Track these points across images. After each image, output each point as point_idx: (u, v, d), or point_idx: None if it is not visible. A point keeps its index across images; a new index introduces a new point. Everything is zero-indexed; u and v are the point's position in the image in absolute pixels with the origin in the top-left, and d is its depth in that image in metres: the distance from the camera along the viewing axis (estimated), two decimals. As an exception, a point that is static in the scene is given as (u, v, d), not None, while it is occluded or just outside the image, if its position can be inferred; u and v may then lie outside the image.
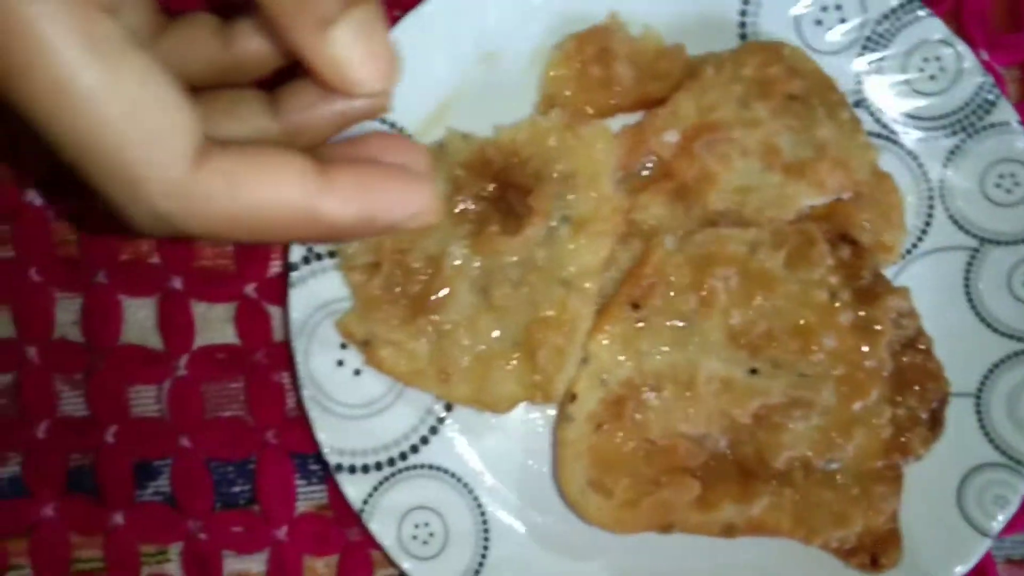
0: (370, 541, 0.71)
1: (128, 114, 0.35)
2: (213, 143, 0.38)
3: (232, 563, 0.73)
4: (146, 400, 0.74)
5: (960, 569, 0.67)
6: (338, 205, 0.41)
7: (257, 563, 0.73)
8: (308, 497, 0.73)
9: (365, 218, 0.42)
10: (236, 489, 0.73)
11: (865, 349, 0.68)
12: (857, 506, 0.67)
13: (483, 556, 0.69)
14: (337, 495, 0.72)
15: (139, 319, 0.74)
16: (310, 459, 0.73)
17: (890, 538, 0.67)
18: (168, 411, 0.73)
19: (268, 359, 0.73)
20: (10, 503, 0.72)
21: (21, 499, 0.72)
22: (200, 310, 0.74)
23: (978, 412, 0.70)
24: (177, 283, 0.74)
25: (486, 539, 0.70)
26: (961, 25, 0.77)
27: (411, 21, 0.70)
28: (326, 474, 0.73)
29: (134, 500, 0.73)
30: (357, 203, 0.41)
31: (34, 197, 0.75)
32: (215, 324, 0.74)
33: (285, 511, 0.73)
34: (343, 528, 0.72)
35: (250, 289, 0.74)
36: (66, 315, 0.74)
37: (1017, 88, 0.77)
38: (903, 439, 0.68)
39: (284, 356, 0.73)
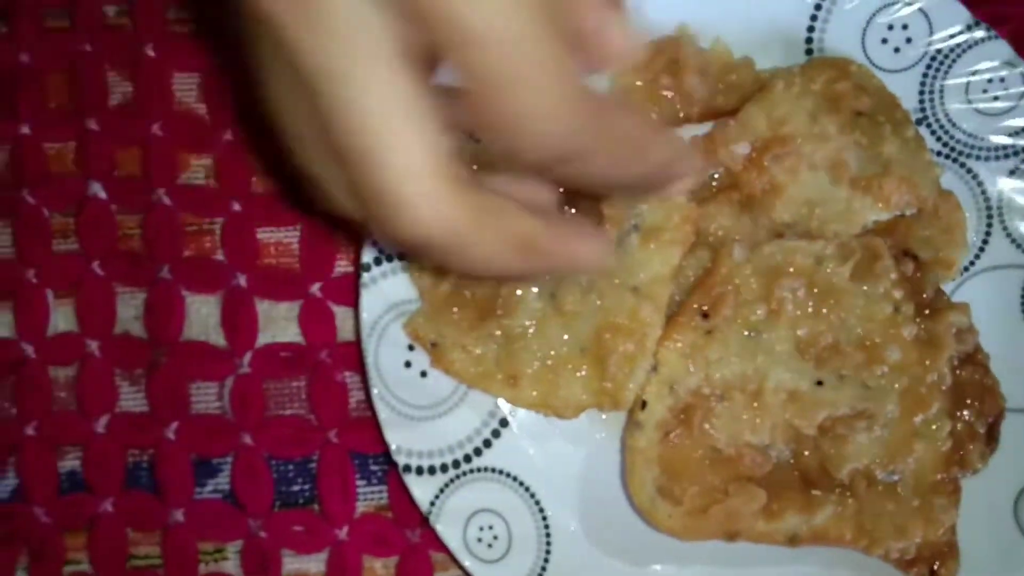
0: (430, 543, 0.71)
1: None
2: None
3: (291, 562, 0.73)
4: (207, 397, 0.73)
5: (1017, 582, 0.68)
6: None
7: (316, 563, 0.73)
8: (368, 498, 0.73)
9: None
10: (296, 488, 0.73)
11: (927, 363, 0.69)
12: (917, 518, 0.68)
13: (545, 561, 0.70)
14: (397, 496, 0.72)
15: (202, 316, 0.74)
16: (371, 459, 0.73)
17: (948, 550, 0.68)
18: (230, 408, 0.73)
19: (331, 359, 0.73)
20: (69, 498, 0.72)
21: (80, 494, 0.72)
22: (264, 308, 0.74)
23: (1034, 428, 0.72)
24: (242, 280, 0.74)
25: (548, 544, 0.70)
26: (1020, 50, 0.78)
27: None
28: (386, 475, 0.73)
29: (193, 497, 0.73)
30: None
31: (98, 190, 0.74)
32: (279, 322, 0.74)
33: (345, 511, 0.73)
34: (403, 529, 0.72)
35: (315, 288, 0.74)
36: (128, 310, 0.74)
37: None
38: (961, 453, 0.69)
39: (347, 356, 0.73)
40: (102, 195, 0.74)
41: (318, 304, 0.74)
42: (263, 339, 0.74)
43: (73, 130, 0.74)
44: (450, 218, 0.40)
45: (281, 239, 0.75)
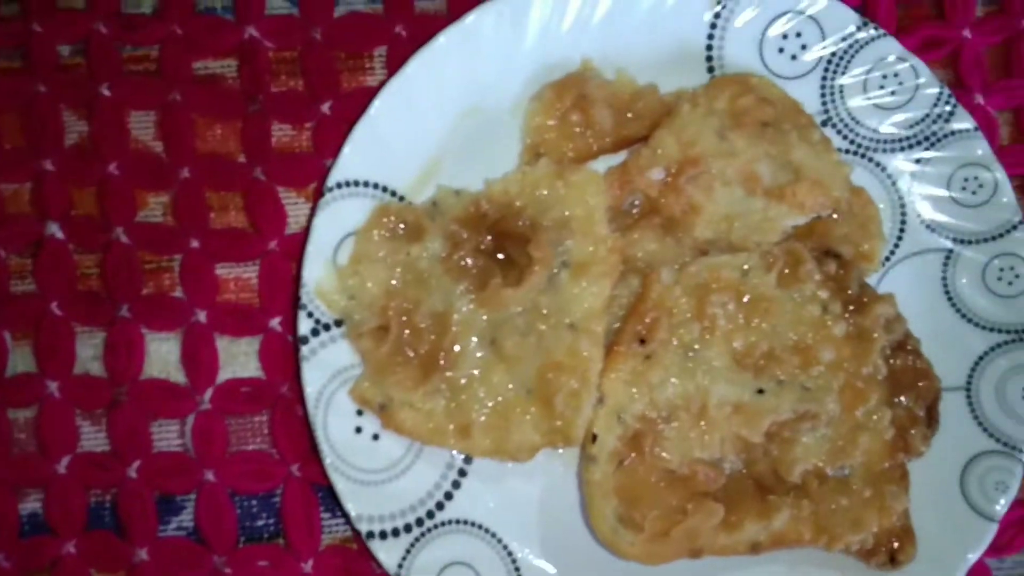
0: None
1: None
2: None
3: None
4: (169, 435, 0.74)
5: (972, 556, 0.71)
6: None
7: None
8: (333, 530, 0.74)
9: None
10: (260, 523, 0.74)
11: (860, 356, 0.71)
12: (871, 508, 0.70)
13: (520, 603, 0.70)
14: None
15: (162, 353, 0.74)
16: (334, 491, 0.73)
17: (904, 535, 0.71)
18: (192, 445, 0.73)
19: (292, 392, 0.74)
20: (31, 540, 0.71)
21: (42, 536, 0.71)
22: (224, 344, 0.74)
23: (970, 404, 0.74)
24: (201, 317, 0.74)
25: (521, 586, 0.71)
26: (958, 72, 0.81)
27: (396, 84, 0.71)
28: None
29: (157, 536, 0.72)
30: None
31: (55, 230, 0.74)
32: (239, 358, 0.75)
33: (311, 544, 0.73)
34: (368, 561, 0.73)
35: (275, 323, 0.75)
36: (87, 350, 0.73)
37: (1010, 131, 0.82)
38: (905, 438, 0.72)
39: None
40: (59, 235, 0.74)
41: (278, 339, 0.75)
42: (224, 375, 0.74)
43: (29, 171, 0.74)
44: None
45: (240, 274, 0.75)
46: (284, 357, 0.74)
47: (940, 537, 0.72)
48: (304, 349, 0.70)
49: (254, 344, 0.75)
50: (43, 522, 0.72)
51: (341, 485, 0.69)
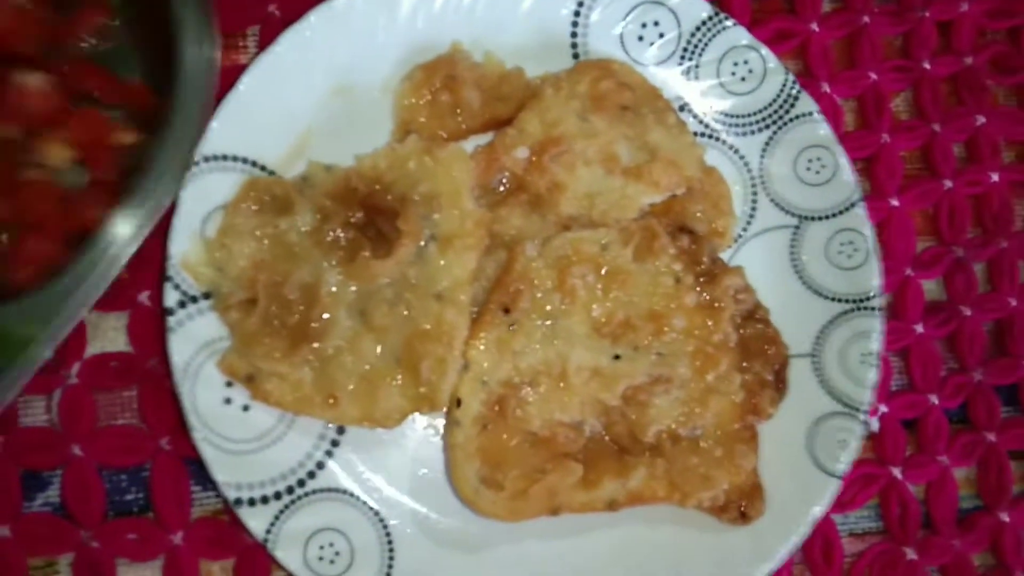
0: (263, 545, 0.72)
1: None
2: None
3: (125, 572, 0.72)
4: (35, 410, 0.73)
5: (817, 510, 0.75)
6: None
7: (152, 571, 0.73)
8: (204, 503, 0.74)
9: None
10: (130, 497, 0.73)
11: (711, 324, 0.75)
12: (721, 466, 0.74)
13: (390, 566, 0.72)
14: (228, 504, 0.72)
15: None
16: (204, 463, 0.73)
17: (754, 492, 0.75)
18: (59, 420, 0.72)
19: (161, 366, 0.73)
20: None
21: None
22: (92, 319, 0.74)
23: (816, 369, 0.79)
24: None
25: (391, 549, 0.73)
26: (806, 61, 0.87)
27: (265, 60, 0.73)
28: None
29: (21, 512, 0.71)
30: None
31: None
32: (108, 333, 0.74)
33: (180, 517, 0.73)
34: (239, 531, 0.73)
35: (143, 297, 0.75)
36: None
37: (854, 117, 0.88)
38: (754, 401, 0.76)
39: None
40: None
41: (147, 312, 0.75)
42: (91, 350, 0.74)
43: None
44: None
45: None
46: (153, 331, 0.74)
47: (788, 494, 0.76)
48: (171, 320, 0.70)
49: (123, 319, 0.75)
50: None
51: (210, 454, 0.70)
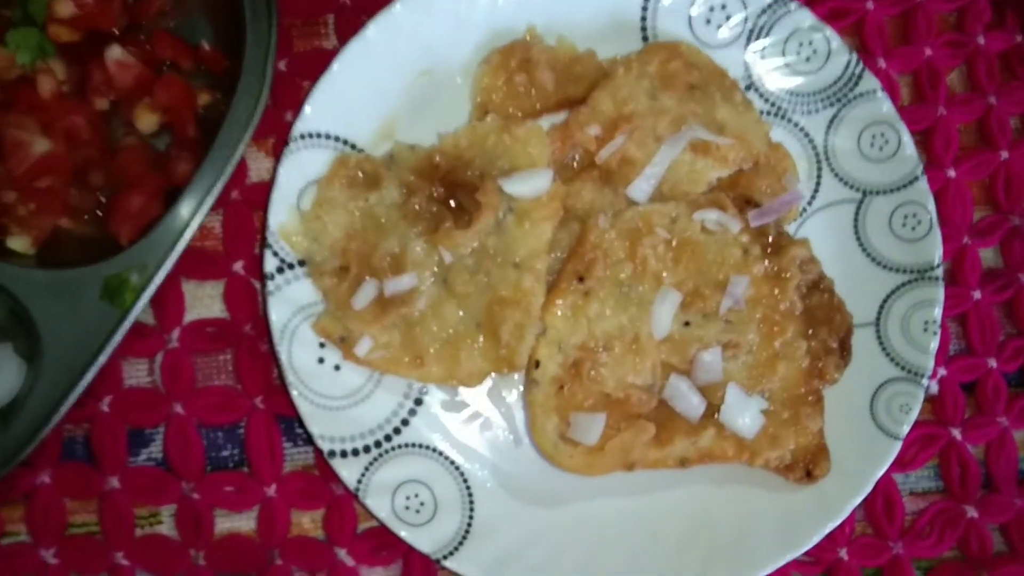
0: (354, 495, 0.77)
1: None
2: None
3: (223, 522, 0.78)
4: (139, 372, 0.79)
5: (880, 470, 0.78)
6: None
7: (247, 521, 0.78)
8: (295, 458, 0.79)
9: None
10: (225, 453, 0.79)
11: (777, 293, 0.78)
12: (788, 427, 0.77)
13: (471, 518, 0.77)
14: (323, 455, 0.77)
15: None
16: (296, 422, 0.78)
17: (819, 452, 0.78)
18: (161, 381, 0.78)
19: (255, 330, 0.79)
20: (7, 473, 0.73)
21: (17, 468, 0.74)
22: (190, 288, 0.80)
23: (879, 337, 0.82)
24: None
25: (471, 503, 0.77)
26: (861, 38, 0.90)
27: (356, 46, 0.78)
28: (312, 437, 0.77)
29: (127, 465, 0.77)
30: None
31: None
32: (204, 300, 0.80)
33: (273, 470, 0.78)
34: (329, 483, 0.78)
35: (238, 267, 0.80)
36: None
37: (909, 92, 0.90)
38: (819, 367, 0.79)
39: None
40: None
41: (241, 281, 0.80)
42: (190, 316, 0.80)
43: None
44: None
45: (205, 223, 0.78)
46: (247, 298, 0.80)
47: (852, 455, 0.79)
48: (270, 285, 0.76)
49: (219, 287, 0.80)
50: (19, 456, 0.76)
51: (306, 409, 0.75)
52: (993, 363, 0.86)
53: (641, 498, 0.78)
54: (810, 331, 0.80)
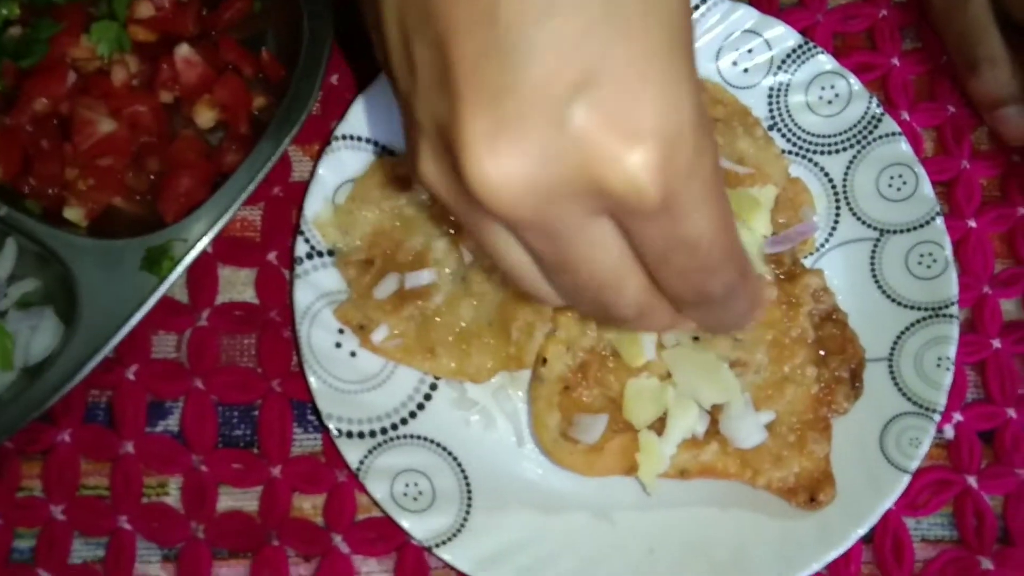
0: (357, 484, 0.78)
1: None
2: None
3: (227, 499, 0.79)
4: (167, 346, 0.83)
5: (886, 502, 0.76)
6: None
7: (250, 500, 0.79)
8: (303, 444, 0.81)
9: None
10: (238, 432, 0.81)
11: (789, 319, 0.79)
12: (793, 450, 0.77)
13: (468, 512, 0.77)
14: (331, 444, 0.79)
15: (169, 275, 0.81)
16: (309, 409, 0.81)
17: (825, 479, 0.77)
18: (187, 357, 0.82)
19: (280, 317, 0.83)
20: (31, 426, 0.76)
21: (41, 424, 0.79)
22: (225, 273, 0.85)
23: (891, 372, 0.82)
24: (207, 247, 0.81)
25: (469, 498, 0.77)
26: (886, 92, 0.93)
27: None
28: (322, 424, 0.79)
29: (144, 433, 0.80)
30: None
31: None
32: (237, 286, 0.84)
33: (281, 452, 0.80)
34: (333, 470, 0.80)
35: (272, 256, 0.85)
36: None
37: (933, 145, 0.93)
38: (829, 396, 0.79)
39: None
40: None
41: (273, 270, 0.85)
42: (221, 299, 0.84)
43: None
44: None
45: (246, 216, 0.86)
46: (276, 286, 0.84)
47: (858, 485, 0.77)
48: (298, 269, 0.80)
49: (252, 275, 0.85)
50: (45, 412, 0.78)
51: (317, 386, 0.77)
52: (1012, 413, 0.85)
53: (641, 513, 0.77)
54: (821, 360, 0.80)
